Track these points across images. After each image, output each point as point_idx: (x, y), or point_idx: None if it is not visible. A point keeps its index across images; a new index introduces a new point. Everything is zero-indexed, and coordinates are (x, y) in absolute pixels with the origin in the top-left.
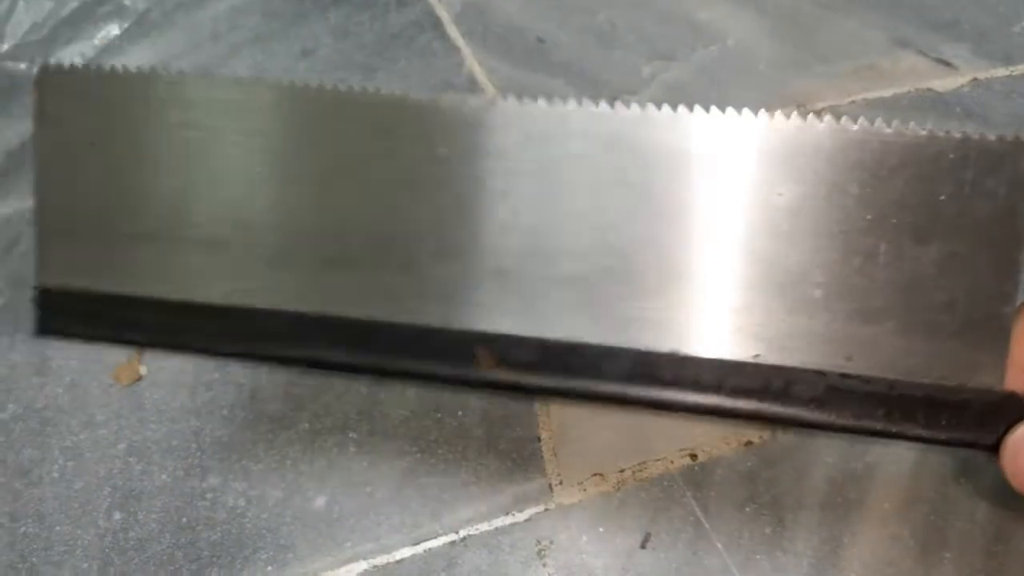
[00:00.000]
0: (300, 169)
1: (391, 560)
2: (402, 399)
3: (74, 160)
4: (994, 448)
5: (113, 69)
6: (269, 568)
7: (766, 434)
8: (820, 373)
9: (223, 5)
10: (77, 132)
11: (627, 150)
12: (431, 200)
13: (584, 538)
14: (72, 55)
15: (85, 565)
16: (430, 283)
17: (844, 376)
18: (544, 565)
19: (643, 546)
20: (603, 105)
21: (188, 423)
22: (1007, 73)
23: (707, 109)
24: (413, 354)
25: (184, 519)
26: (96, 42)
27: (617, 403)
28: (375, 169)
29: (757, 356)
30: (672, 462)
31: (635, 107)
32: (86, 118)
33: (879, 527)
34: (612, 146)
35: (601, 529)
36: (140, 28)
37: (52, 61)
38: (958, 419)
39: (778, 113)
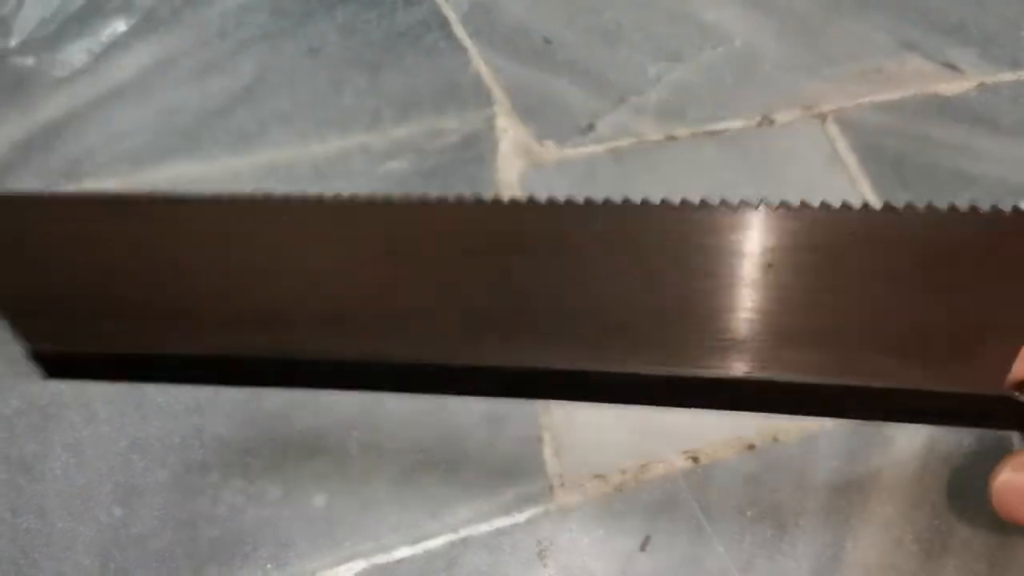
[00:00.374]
0: None
1: (390, 559)
2: (404, 398)
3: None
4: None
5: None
6: (268, 566)
7: (768, 438)
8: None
9: (231, 2)
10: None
11: None
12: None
13: (584, 539)
14: (79, 51)
15: (86, 560)
16: None
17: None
18: (544, 566)
19: (643, 548)
20: None
21: (189, 420)
22: (1015, 78)
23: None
24: None
25: (184, 515)
26: (103, 39)
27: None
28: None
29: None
30: (673, 465)
31: None
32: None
33: (881, 532)
34: None
35: (601, 531)
36: (147, 24)
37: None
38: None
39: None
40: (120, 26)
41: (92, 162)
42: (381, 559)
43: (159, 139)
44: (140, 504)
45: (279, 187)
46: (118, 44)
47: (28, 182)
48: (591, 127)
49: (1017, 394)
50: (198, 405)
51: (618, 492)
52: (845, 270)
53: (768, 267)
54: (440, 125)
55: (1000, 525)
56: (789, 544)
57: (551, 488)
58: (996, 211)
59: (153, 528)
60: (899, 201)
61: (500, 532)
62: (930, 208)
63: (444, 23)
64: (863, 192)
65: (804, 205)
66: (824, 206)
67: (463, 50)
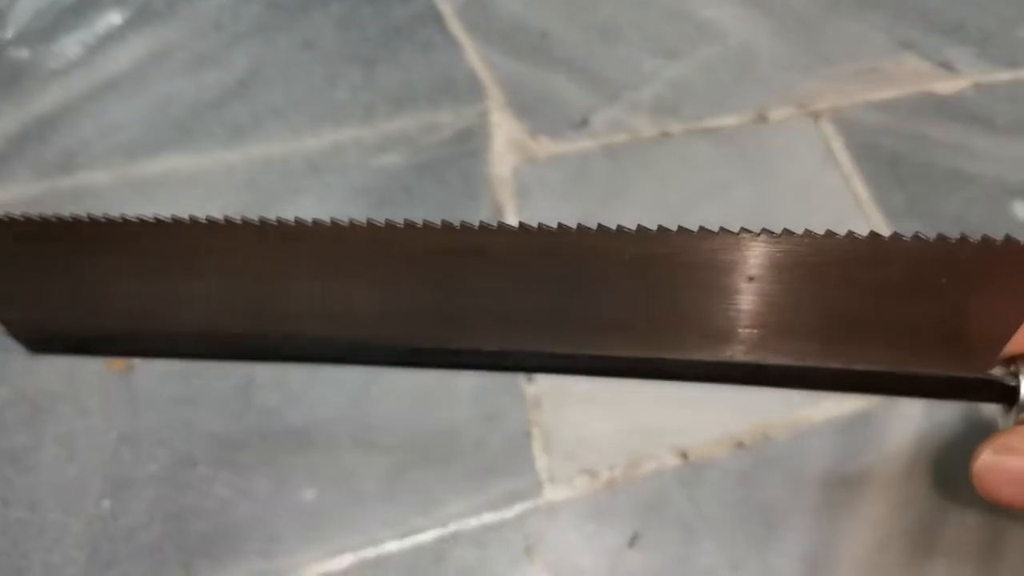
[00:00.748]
0: None
1: (379, 554)
2: (394, 391)
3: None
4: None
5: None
6: (257, 559)
7: (758, 435)
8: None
9: None
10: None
11: None
12: None
13: (573, 536)
14: (74, 43)
15: (75, 552)
16: None
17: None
18: (532, 562)
19: (632, 545)
20: None
21: (179, 413)
22: (1011, 77)
23: None
24: None
25: (173, 508)
26: (98, 30)
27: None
28: None
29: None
30: (664, 462)
31: None
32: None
33: (870, 531)
34: None
35: (590, 527)
36: (143, 17)
37: None
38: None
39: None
40: (115, 18)
41: (86, 154)
42: (369, 553)
43: (153, 131)
44: (130, 497)
45: (273, 180)
46: (113, 36)
47: (22, 174)
48: (585, 123)
49: (1001, 376)
50: (188, 398)
51: (607, 489)
52: (825, 281)
53: (750, 279)
54: (434, 119)
55: (990, 524)
56: (779, 542)
57: (540, 484)
58: (986, 240)
59: (142, 521)
60: (896, 200)
61: (489, 528)
62: (916, 238)
63: (439, 18)
64: (857, 191)
65: (787, 231)
66: (808, 233)
67: (458, 45)
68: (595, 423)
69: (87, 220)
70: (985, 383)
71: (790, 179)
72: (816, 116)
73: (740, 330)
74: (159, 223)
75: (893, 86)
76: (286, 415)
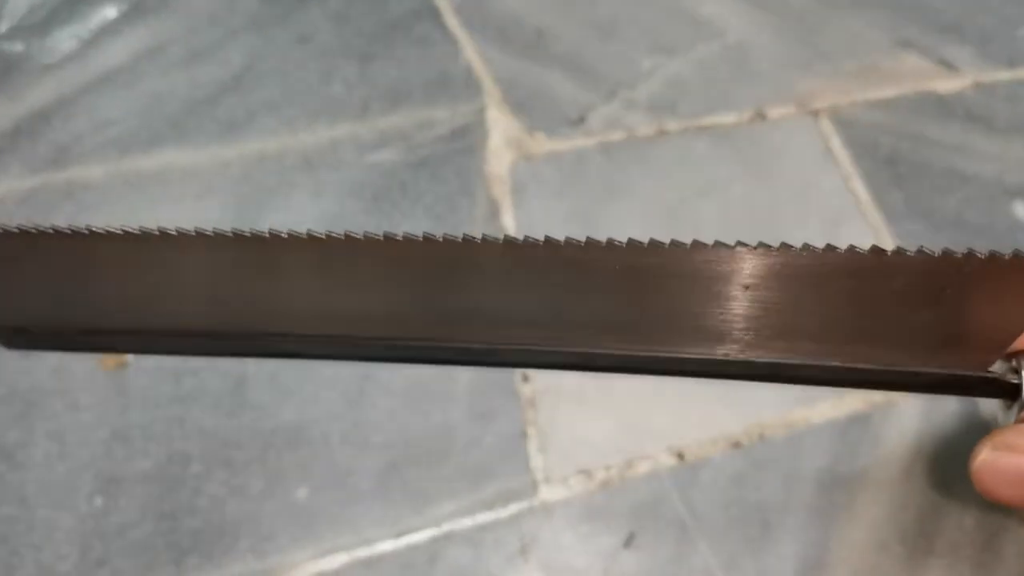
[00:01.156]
0: None
1: (372, 553)
2: (388, 390)
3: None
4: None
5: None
6: (249, 557)
7: (754, 436)
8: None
9: None
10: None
11: None
12: None
13: (568, 536)
14: (68, 37)
15: (66, 549)
16: None
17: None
18: (526, 562)
19: (627, 545)
20: None
21: (172, 410)
22: (1010, 77)
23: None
24: None
25: (165, 506)
26: (92, 25)
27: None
28: None
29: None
30: (659, 462)
31: None
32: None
33: (867, 532)
34: None
35: (585, 527)
36: (137, 12)
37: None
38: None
39: None
40: (110, 13)
41: (80, 148)
42: (363, 552)
43: (147, 126)
44: (121, 494)
45: (268, 176)
46: (107, 31)
47: (15, 168)
48: (582, 120)
49: (1002, 373)
50: (181, 396)
51: (603, 489)
52: (824, 291)
53: (745, 288)
54: (430, 116)
55: (987, 526)
56: (774, 543)
57: (535, 484)
58: (993, 255)
59: (134, 518)
60: (894, 199)
61: (483, 527)
62: (921, 252)
63: (436, 13)
64: (856, 190)
65: (784, 245)
66: (806, 246)
67: (454, 41)
68: (591, 423)
69: (67, 232)
70: (986, 380)
71: (788, 177)
72: (815, 114)
73: (735, 332)
74: (143, 235)
75: (892, 85)
76: (279, 413)
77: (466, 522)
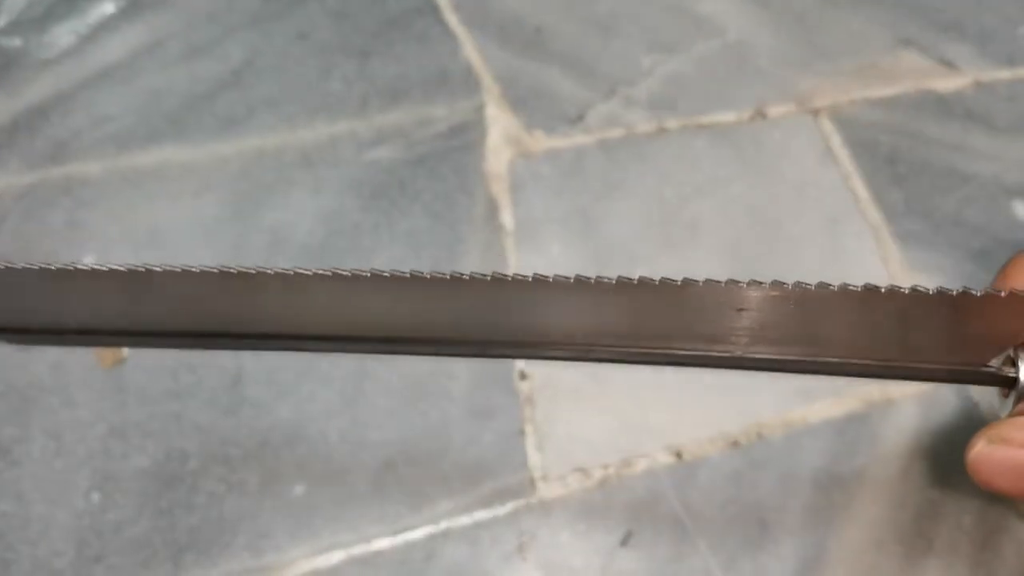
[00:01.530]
0: None
1: (369, 550)
2: (386, 388)
3: None
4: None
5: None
6: (246, 555)
7: (752, 435)
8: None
9: None
10: None
11: None
12: None
13: (565, 534)
14: (66, 32)
15: (62, 546)
16: None
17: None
18: (524, 560)
19: (625, 544)
20: None
21: (169, 406)
22: (1011, 75)
23: None
24: None
25: (162, 503)
26: (91, 20)
27: None
28: None
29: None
30: (657, 460)
31: None
32: None
33: (865, 532)
34: None
35: (583, 525)
36: (136, 7)
37: None
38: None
39: None
40: (108, 7)
41: (78, 144)
42: (360, 550)
43: (146, 122)
44: (117, 490)
45: (266, 173)
46: (106, 26)
47: (13, 164)
48: (581, 118)
49: (998, 366)
50: (178, 392)
51: (600, 487)
52: (817, 316)
53: (740, 311)
54: (429, 113)
55: (986, 525)
56: (772, 543)
57: (533, 482)
58: (965, 293)
59: (130, 515)
60: (894, 198)
61: (480, 525)
62: (915, 291)
63: (435, 10)
64: (855, 189)
65: (776, 282)
66: (798, 284)
67: (454, 38)
68: (588, 421)
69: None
70: (983, 374)
71: (788, 176)
72: (815, 113)
73: (730, 337)
74: (131, 272)
75: (892, 83)
76: (277, 411)
77: (463, 520)
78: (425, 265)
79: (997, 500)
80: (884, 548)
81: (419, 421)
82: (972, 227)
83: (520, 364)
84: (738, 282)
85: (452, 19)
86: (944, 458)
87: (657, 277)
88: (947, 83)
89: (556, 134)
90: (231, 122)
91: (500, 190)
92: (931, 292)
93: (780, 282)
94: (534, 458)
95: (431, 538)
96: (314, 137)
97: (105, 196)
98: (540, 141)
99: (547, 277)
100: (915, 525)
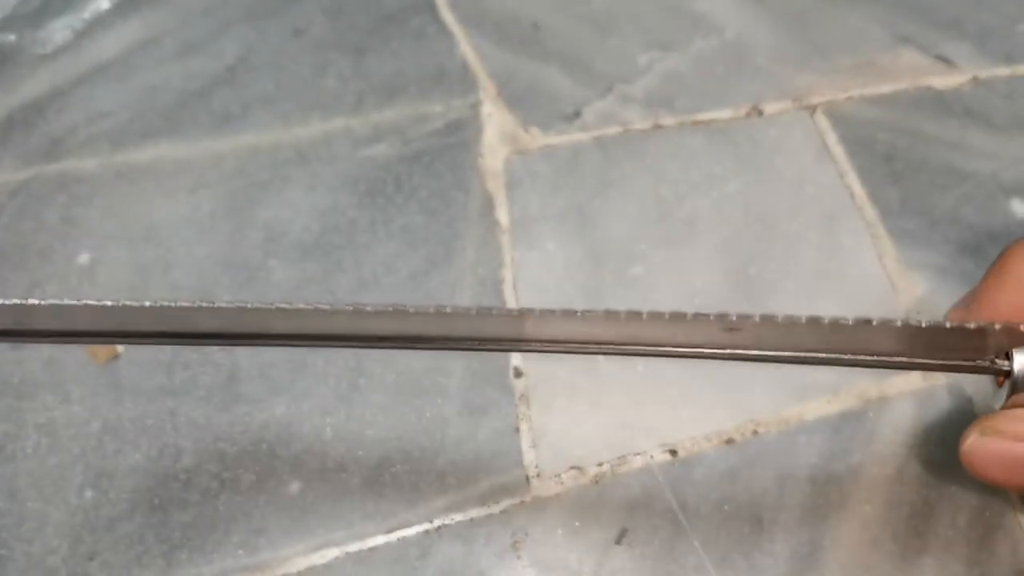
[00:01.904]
0: None
1: (364, 548)
2: (381, 384)
3: None
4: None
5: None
6: (240, 552)
7: (748, 432)
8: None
9: None
10: None
11: None
12: None
13: (560, 532)
14: (61, 28)
15: (55, 542)
16: None
17: None
18: (518, 557)
19: (619, 542)
20: None
21: (164, 403)
22: (1009, 73)
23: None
24: None
25: (156, 500)
26: (86, 15)
27: None
28: None
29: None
30: (652, 458)
31: None
32: None
33: (860, 530)
34: None
35: (577, 523)
36: (131, 3)
37: None
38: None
39: None
40: (103, 3)
41: (73, 141)
42: (354, 547)
43: (141, 119)
44: (111, 487)
45: (261, 169)
46: (101, 22)
47: (7, 160)
48: (577, 115)
49: (991, 359)
50: (173, 389)
51: (595, 484)
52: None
53: (730, 330)
54: (425, 110)
55: (982, 524)
56: (767, 540)
57: (527, 479)
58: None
59: (124, 511)
60: (890, 196)
61: (475, 523)
62: (884, 325)
63: (431, 7)
64: (852, 186)
65: (741, 317)
66: (764, 318)
67: (450, 35)
68: (583, 418)
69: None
70: (977, 366)
71: (784, 173)
72: (811, 110)
73: (719, 341)
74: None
75: (889, 80)
76: (271, 407)
77: (458, 517)
78: (421, 262)
79: (993, 497)
80: (879, 546)
81: (414, 418)
82: (969, 225)
83: (515, 361)
84: (727, 314)
85: (448, 16)
86: (940, 456)
87: (645, 311)
88: (945, 80)
89: (552, 131)
90: (226, 119)
91: (496, 187)
92: (900, 325)
93: (770, 315)
94: (529, 455)
95: (425, 535)
96: (309, 134)
97: (100, 192)
98: (536, 138)
99: (532, 310)
100: (910, 523)
